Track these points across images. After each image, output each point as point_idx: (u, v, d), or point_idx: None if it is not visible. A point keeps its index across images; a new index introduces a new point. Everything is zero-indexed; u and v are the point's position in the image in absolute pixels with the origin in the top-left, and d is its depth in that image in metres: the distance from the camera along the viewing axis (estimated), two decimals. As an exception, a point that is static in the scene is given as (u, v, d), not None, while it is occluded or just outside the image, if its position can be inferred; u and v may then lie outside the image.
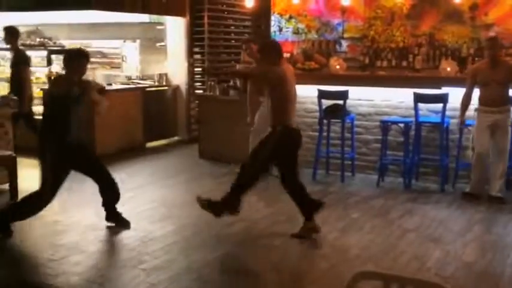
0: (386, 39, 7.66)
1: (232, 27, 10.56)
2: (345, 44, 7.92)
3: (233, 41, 10.45)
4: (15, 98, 7.19)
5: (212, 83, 8.76)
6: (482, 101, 6.23)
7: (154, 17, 10.12)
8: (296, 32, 8.17)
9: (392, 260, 4.61)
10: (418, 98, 6.69)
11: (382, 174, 7.08)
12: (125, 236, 5.27)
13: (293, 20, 8.17)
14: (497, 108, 6.13)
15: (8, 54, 9.79)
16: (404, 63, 7.60)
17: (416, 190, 6.76)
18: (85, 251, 4.95)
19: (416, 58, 7.49)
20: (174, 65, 9.89)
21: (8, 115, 6.97)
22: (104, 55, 10.10)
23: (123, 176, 6.55)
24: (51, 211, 5.91)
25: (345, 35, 7.91)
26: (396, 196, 6.48)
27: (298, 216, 5.32)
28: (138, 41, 9.79)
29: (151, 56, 9.99)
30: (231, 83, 8.57)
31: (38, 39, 10.13)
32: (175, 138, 9.99)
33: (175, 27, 9.79)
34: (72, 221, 5.47)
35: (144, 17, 10.03)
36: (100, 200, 5.41)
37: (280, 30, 8.24)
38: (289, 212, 5.46)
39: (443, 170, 6.73)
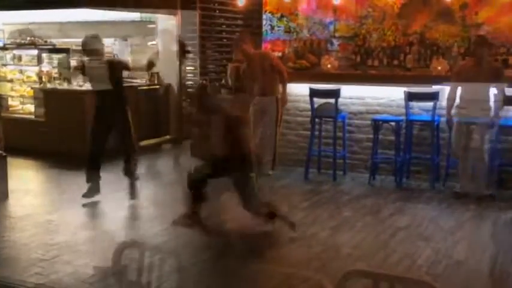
0: (378, 38, 7.67)
1: (224, 26, 10.55)
2: (336, 42, 7.93)
3: (225, 40, 10.43)
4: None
5: (204, 81, 8.74)
6: (462, 99, 6.27)
7: (146, 16, 10.09)
8: (287, 30, 8.17)
9: (384, 258, 4.63)
10: (409, 97, 6.72)
11: (374, 173, 7.10)
12: (115, 235, 5.25)
13: (284, 19, 8.17)
14: (476, 107, 6.16)
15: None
16: (395, 62, 7.62)
17: (407, 188, 6.78)
18: (76, 250, 4.93)
19: (408, 57, 7.51)
20: (165, 64, 9.86)
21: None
22: (95, 54, 10.04)
23: (114, 175, 6.52)
24: (43, 210, 5.91)
25: (337, 34, 7.92)
26: (387, 195, 6.51)
27: (291, 214, 5.33)
28: (129, 39, 9.76)
29: (142, 55, 9.95)
30: (223, 81, 8.57)
31: (28, 38, 10.06)
32: (167, 137, 9.97)
33: (166, 26, 9.75)
34: (63, 220, 5.45)
35: (135, 16, 9.99)
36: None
37: (272, 29, 8.24)
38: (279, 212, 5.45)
39: (434, 168, 6.75)
